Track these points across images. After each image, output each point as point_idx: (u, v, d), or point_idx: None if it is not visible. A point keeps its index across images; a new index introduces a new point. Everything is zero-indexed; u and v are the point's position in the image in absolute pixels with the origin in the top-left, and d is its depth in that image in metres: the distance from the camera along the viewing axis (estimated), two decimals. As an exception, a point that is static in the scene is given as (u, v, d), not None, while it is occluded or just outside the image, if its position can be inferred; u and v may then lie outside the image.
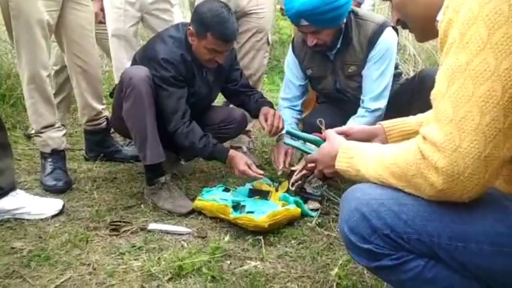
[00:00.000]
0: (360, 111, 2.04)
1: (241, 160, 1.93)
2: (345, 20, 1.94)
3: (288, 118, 2.16)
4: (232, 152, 1.97)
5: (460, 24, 0.76)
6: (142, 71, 1.85)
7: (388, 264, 0.89)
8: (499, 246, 0.82)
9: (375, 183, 0.93)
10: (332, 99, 2.21)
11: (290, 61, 2.20)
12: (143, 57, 1.95)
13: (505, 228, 0.82)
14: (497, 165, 0.77)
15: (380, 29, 1.94)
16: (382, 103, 2.01)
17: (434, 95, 0.82)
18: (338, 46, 2.00)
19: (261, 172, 1.97)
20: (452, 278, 0.87)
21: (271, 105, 2.15)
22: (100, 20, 2.47)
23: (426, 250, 0.86)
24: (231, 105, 2.38)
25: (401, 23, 1.06)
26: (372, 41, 1.95)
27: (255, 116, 2.16)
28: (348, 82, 2.08)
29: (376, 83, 1.99)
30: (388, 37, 1.95)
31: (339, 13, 1.85)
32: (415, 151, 0.83)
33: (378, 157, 0.93)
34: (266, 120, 2.03)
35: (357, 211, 0.90)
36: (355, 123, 1.96)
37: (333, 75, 2.09)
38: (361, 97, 2.05)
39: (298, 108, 2.26)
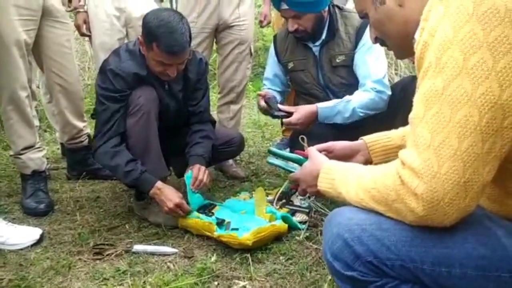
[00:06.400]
0: (364, 88, 2.01)
1: (174, 195, 1.78)
2: (326, 9, 2.02)
3: (272, 92, 2.23)
4: (159, 184, 1.80)
5: (436, 48, 0.75)
6: (151, 92, 1.83)
7: (373, 291, 0.87)
8: (483, 270, 0.81)
9: (357, 207, 0.92)
10: (311, 95, 2.20)
11: (269, 60, 2.31)
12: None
13: (488, 251, 0.81)
14: (477, 189, 0.76)
15: (366, 20, 2.01)
16: (387, 89, 2.01)
17: (412, 119, 0.80)
18: (323, 37, 2.06)
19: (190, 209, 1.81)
20: (437, 303, 0.85)
21: (201, 161, 1.96)
22: (83, 32, 2.39)
23: (410, 276, 0.85)
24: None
25: (379, 40, 1.06)
26: (360, 31, 2.05)
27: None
28: (332, 76, 2.11)
29: (374, 67, 2.02)
30: None
31: None
32: (394, 176, 0.82)
33: (359, 180, 0.92)
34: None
35: (339, 237, 0.88)
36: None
37: (315, 67, 2.13)
38: (361, 82, 2.05)
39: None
